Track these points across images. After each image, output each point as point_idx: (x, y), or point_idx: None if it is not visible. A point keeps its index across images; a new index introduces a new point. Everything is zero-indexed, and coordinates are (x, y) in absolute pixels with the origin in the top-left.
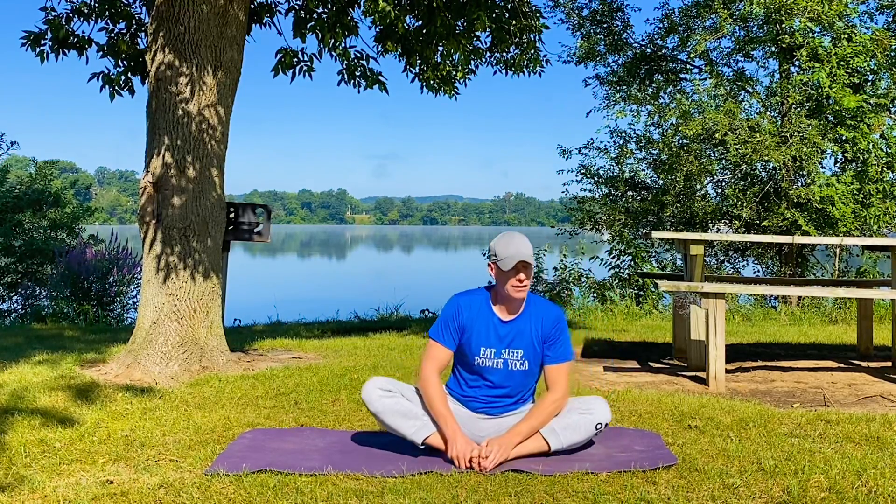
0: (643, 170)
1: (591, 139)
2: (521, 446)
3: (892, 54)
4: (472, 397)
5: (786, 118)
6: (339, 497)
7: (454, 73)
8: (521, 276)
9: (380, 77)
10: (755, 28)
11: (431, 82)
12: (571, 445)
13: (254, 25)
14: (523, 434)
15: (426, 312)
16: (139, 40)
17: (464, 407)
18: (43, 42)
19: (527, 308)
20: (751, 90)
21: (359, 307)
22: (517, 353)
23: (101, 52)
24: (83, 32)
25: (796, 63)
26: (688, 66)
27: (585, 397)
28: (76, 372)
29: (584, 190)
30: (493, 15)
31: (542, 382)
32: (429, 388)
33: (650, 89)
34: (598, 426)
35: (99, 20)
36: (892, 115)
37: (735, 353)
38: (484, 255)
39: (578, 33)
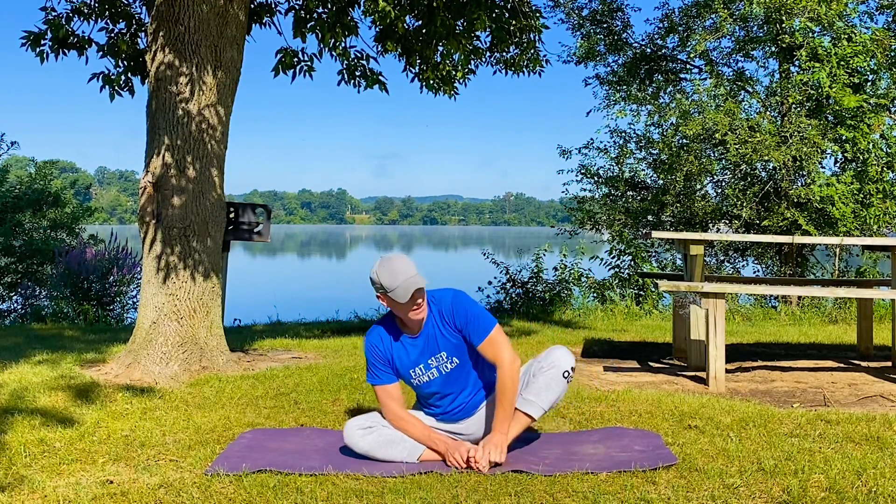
0: (643, 170)
1: (591, 139)
2: (513, 432)
3: (892, 54)
4: (438, 409)
5: (786, 118)
6: (339, 497)
7: (454, 72)
8: (419, 301)
9: (380, 77)
10: (755, 28)
11: (431, 82)
12: (552, 405)
13: (254, 25)
14: (505, 420)
15: None
16: (139, 40)
17: (440, 420)
18: (43, 42)
19: (428, 308)
20: (751, 90)
21: (359, 307)
22: (441, 355)
23: (101, 52)
24: (83, 32)
25: (796, 63)
26: (688, 66)
27: (543, 354)
28: (76, 372)
29: (584, 190)
30: (493, 15)
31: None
32: (402, 425)
33: (650, 89)
34: (566, 374)
35: (99, 20)
36: (892, 115)
37: (735, 353)
38: (484, 254)
39: (578, 33)
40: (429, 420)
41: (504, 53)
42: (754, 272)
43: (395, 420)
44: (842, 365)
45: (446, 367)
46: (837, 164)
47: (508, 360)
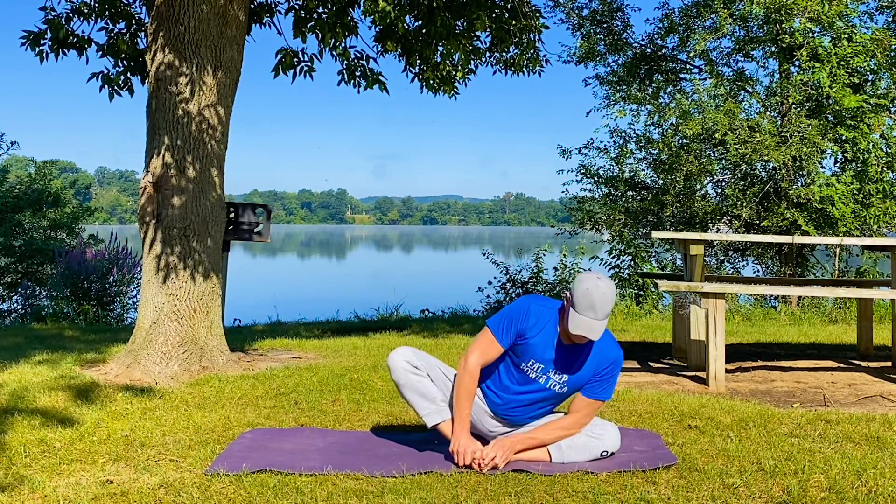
0: (643, 170)
1: (591, 139)
2: (523, 453)
3: (892, 54)
4: (499, 397)
5: (786, 118)
6: (339, 497)
7: (454, 73)
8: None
9: (380, 77)
10: (755, 28)
11: (431, 82)
12: (572, 463)
13: (254, 25)
14: (528, 444)
15: (426, 312)
16: (139, 40)
17: (486, 402)
18: (42, 42)
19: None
20: (751, 90)
21: (359, 307)
22: (563, 377)
23: (100, 52)
24: (83, 32)
25: (796, 63)
26: (688, 66)
27: (600, 420)
28: (76, 372)
29: (584, 190)
30: (493, 15)
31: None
32: (464, 379)
33: (650, 89)
34: (604, 453)
35: (99, 20)
36: (892, 115)
37: (735, 353)
38: (484, 254)
39: (578, 33)
40: (478, 401)
41: (504, 53)
42: (754, 272)
43: (467, 369)
44: (842, 365)
45: (555, 387)
46: (837, 164)
47: (581, 423)
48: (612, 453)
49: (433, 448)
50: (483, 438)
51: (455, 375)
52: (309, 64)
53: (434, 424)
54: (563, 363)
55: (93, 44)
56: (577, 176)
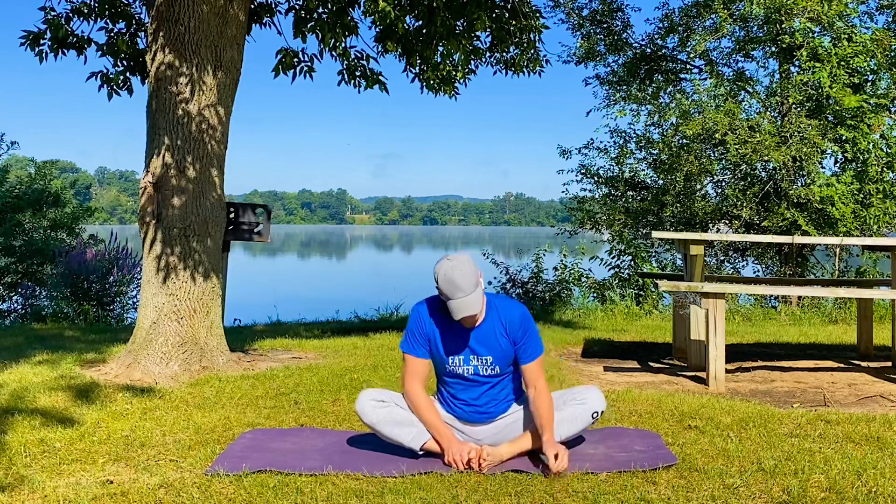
0: (643, 170)
1: (591, 139)
2: (521, 443)
3: (892, 54)
4: (459, 405)
5: (786, 118)
6: (339, 497)
7: (454, 73)
8: (468, 320)
9: (380, 77)
10: (755, 28)
11: (431, 82)
12: (570, 437)
13: (254, 25)
14: (524, 448)
15: None
16: (139, 40)
17: (454, 415)
18: (42, 42)
19: (489, 311)
20: (751, 90)
21: (359, 307)
22: (486, 359)
23: (100, 52)
24: (83, 32)
25: (796, 63)
26: (688, 66)
27: (579, 388)
28: (76, 372)
29: (584, 190)
30: (493, 15)
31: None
32: (415, 402)
33: (650, 89)
34: (595, 415)
35: (98, 20)
36: (892, 115)
37: (735, 353)
38: (484, 254)
39: (578, 33)
40: (445, 415)
41: (504, 53)
42: (754, 272)
43: (411, 395)
44: (842, 365)
45: (486, 370)
46: (837, 165)
47: (543, 387)
48: (603, 411)
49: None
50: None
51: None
52: (309, 64)
53: (422, 444)
54: (476, 345)
55: (92, 44)
56: (577, 176)
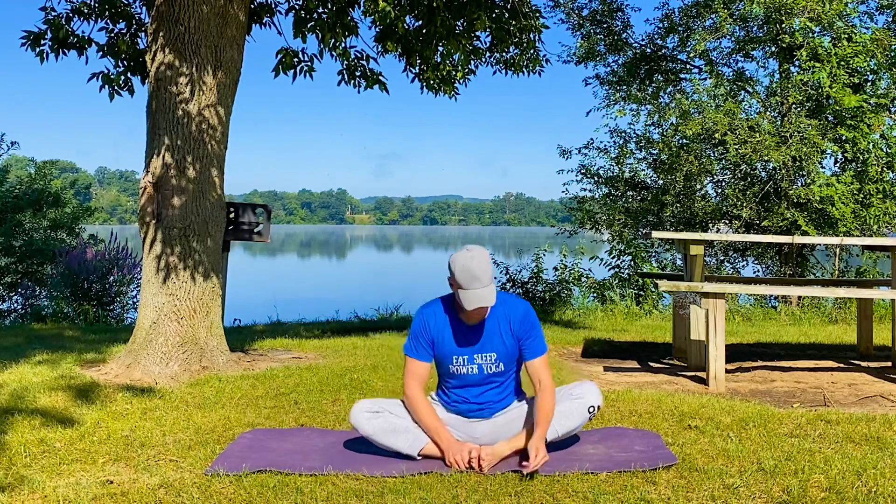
0: (643, 170)
1: (591, 139)
2: (519, 440)
3: (892, 54)
4: (459, 403)
5: (786, 118)
6: (339, 497)
7: (454, 73)
8: (481, 311)
9: (380, 77)
10: (755, 28)
11: (431, 82)
12: (567, 433)
13: (254, 25)
14: (542, 433)
15: None
16: (139, 40)
17: (454, 413)
18: (43, 42)
19: (493, 308)
20: (751, 90)
21: (359, 307)
22: (490, 356)
23: (100, 52)
24: (83, 32)
25: (796, 63)
26: (688, 66)
27: (576, 383)
28: (76, 372)
29: (584, 190)
30: (493, 15)
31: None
32: (416, 405)
33: (650, 89)
34: (591, 409)
35: (99, 20)
36: (892, 115)
37: (735, 353)
38: None
39: (578, 33)
40: (444, 414)
41: (504, 53)
42: (754, 272)
43: (411, 398)
44: (842, 365)
45: (490, 368)
46: (837, 164)
47: (548, 384)
48: (599, 406)
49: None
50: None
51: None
52: (309, 64)
53: (420, 450)
54: (480, 342)
55: (93, 44)
56: (577, 176)
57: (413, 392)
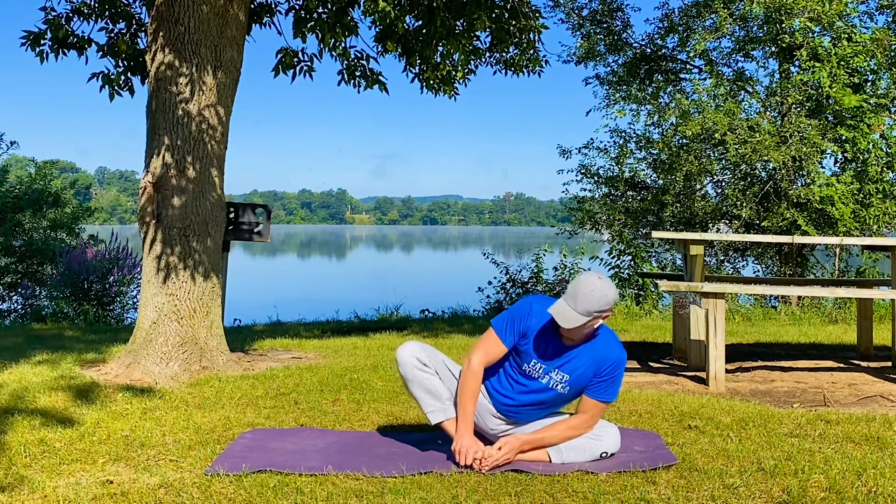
0: (643, 170)
1: (591, 139)
2: (524, 454)
3: (892, 54)
4: (503, 396)
5: (786, 118)
6: (339, 497)
7: (454, 73)
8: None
9: (380, 77)
10: (755, 28)
11: (431, 82)
12: (571, 463)
13: (254, 25)
14: (536, 445)
15: (426, 312)
16: (139, 40)
17: (491, 402)
18: (43, 42)
19: (593, 340)
20: (751, 90)
21: (359, 307)
22: (564, 376)
23: (100, 52)
24: (83, 32)
25: (796, 63)
26: (688, 66)
27: (601, 422)
28: (76, 372)
29: (584, 190)
30: (493, 15)
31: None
32: (469, 379)
33: (650, 89)
34: (603, 454)
35: (99, 20)
36: (892, 115)
37: (735, 353)
38: (484, 254)
39: (578, 33)
40: (482, 394)
41: (504, 53)
42: (754, 272)
43: (471, 370)
44: (842, 365)
45: (557, 385)
46: (837, 164)
47: (588, 424)
48: (612, 454)
49: (433, 448)
50: (484, 437)
51: (460, 373)
52: (309, 64)
53: (438, 422)
54: (564, 363)
55: (93, 44)
56: (577, 176)
57: (476, 365)
